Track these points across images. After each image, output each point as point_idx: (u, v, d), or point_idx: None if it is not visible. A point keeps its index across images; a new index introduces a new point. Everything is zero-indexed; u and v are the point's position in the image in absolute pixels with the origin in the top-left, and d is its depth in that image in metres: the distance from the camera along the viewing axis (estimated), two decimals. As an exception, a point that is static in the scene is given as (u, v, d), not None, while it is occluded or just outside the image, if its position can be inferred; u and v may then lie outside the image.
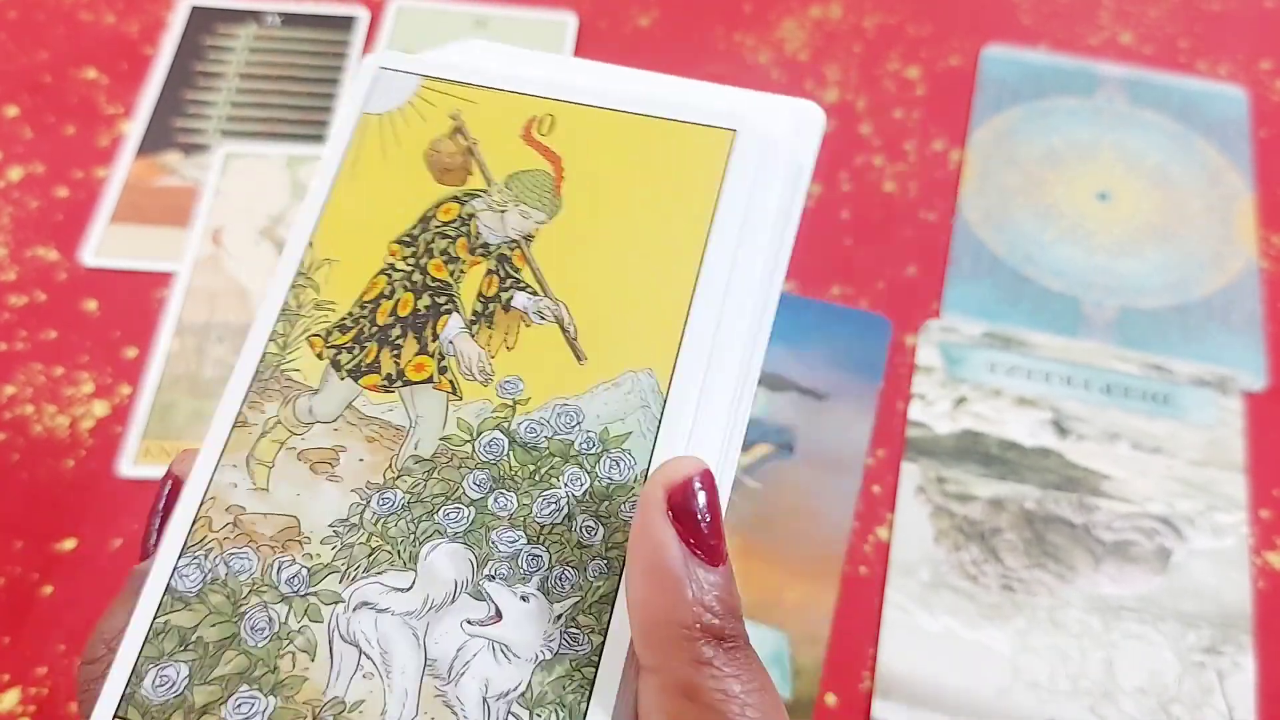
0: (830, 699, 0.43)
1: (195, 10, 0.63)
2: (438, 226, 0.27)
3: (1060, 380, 0.50)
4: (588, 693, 0.22)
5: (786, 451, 0.48)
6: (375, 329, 0.26)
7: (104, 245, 0.54)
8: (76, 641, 0.44)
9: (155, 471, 0.48)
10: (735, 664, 0.21)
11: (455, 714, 0.22)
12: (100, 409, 0.50)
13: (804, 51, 0.62)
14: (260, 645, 0.23)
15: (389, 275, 0.26)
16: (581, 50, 0.62)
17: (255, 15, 0.63)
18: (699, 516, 0.22)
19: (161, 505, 0.25)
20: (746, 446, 0.48)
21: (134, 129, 0.59)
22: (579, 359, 0.25)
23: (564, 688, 0.22)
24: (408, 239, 0.27)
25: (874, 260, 0.54)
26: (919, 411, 0.49)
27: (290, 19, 0.63)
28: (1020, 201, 0.57)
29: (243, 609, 0.23)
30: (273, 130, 0.59)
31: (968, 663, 0.43)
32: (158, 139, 0.58)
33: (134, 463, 0.48)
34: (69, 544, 0.46)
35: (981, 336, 0.51)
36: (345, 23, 0.63)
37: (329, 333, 0.26)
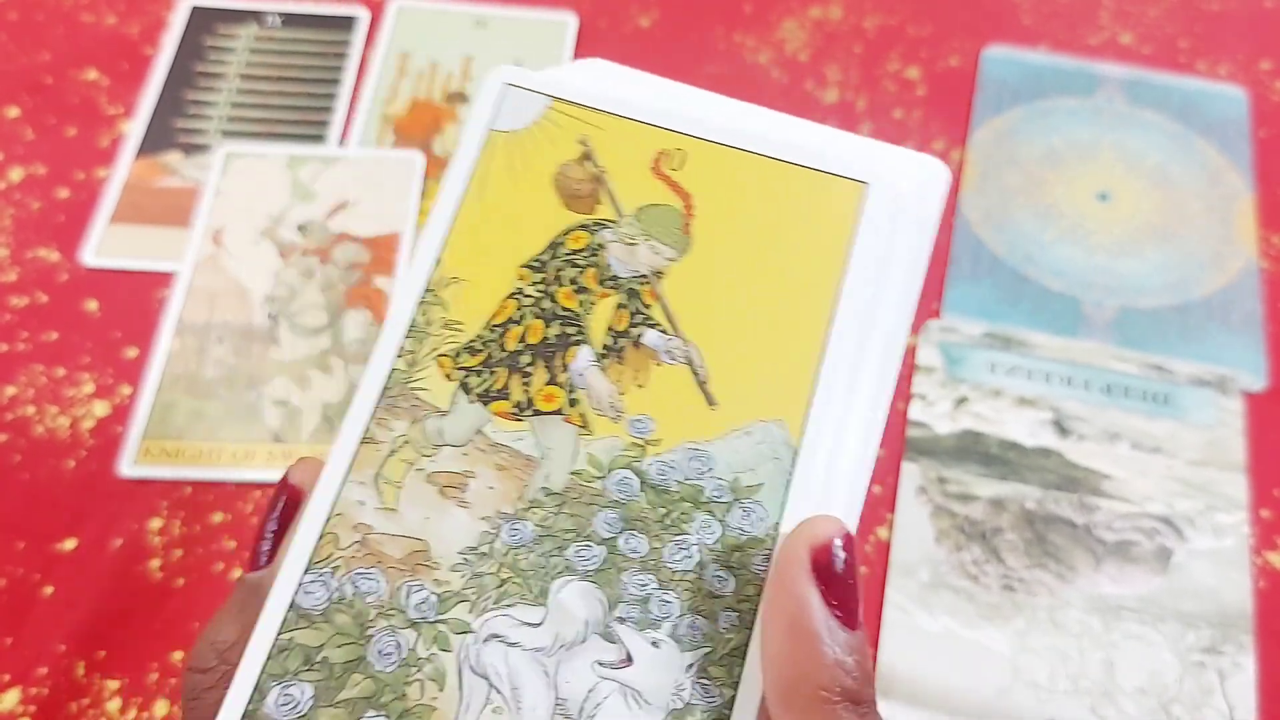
0: (830, 699, 0.43)
1: (195, 10, 0.63)
2: (567, 254, 0.26)
3: (1060, 380, 0.50)
4: None
5: (787, 452, 0.48)
6: (504, 354, 0.25)
7: (105, 245, 0.55)
8: (76, 642, 0.44)
9: (156, 471, 0.48)
10: None
11: None
12: (101, 409, 0.50)
13: (804, 52, 0.62)
14: (388, 670, 0.22)
15: (518, 300, 0.26)
16: (581, 50, 0.62)
17: (255, 15, 0.63)
18: (841, 577, 0.22)
19: (278, 514, 0.24)
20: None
21: (134, 129, 0.59)
22: (710, 403, 0.25)
23: None
24: (537, 264, 0.26)
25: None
26: (919, 411, 0.49)
27: (290, 19, 0.63)
28: (1020, 201, 0.57)
29: (370, 632, 0.22)
30: (273, 130, 0.59)
31: (968, 663, 0.43)
32: (158, 139, 0.58)
33: (134, 463, 0.48)
34: (69, 544, 0.46)
35: (981, 336, 0.52)
36: (345, 23, 0.63)
37: (458, 354, 0.25)
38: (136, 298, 0.53)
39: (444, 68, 0.62)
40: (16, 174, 0.57)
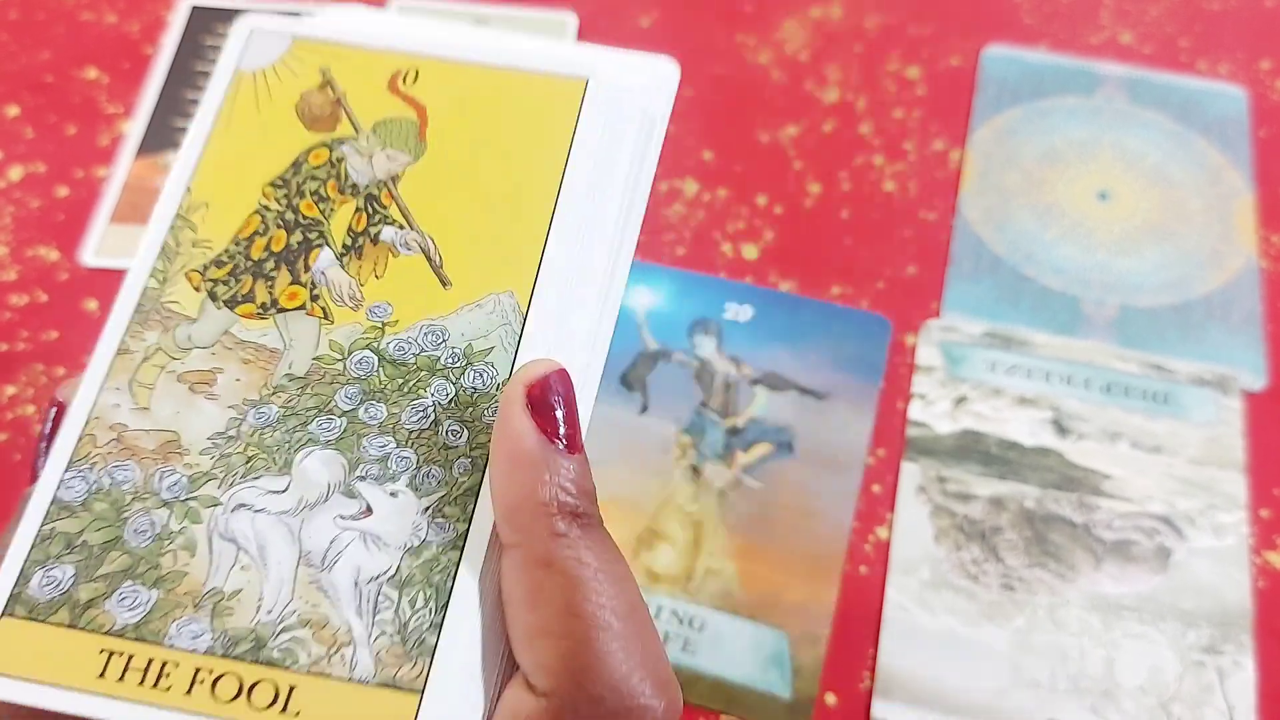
0: (830, 699, 0.43)
1: (195, 10, 0.63)
2: (309, 170, 0.29)
3: (1060, 379, 0.50)
4: (454, 572, 0.24)
5: (786, 451, 0.48)
6: (250, 263, 0.28)
7: (105, 245, 0.55)
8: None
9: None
10: (589, 538, 0.23)
11: (328, 596, 0.24)
12: (101, 408, 0.50)
13: (804, 51, 0.62)
14: (143, 546, 0.25)
15: (263, 215, 0.28)
16: (582, 50, 0.62)
17: (256, 15, 0.63)
18: (554, 408, 0.24)
19: (48, 430, 0.26)
20: (746, 446, 0.48)
21: (135, 128, 0.59)
22: (444, 284, 0.27)
23: (431, 569, 0.24)
24: (280, 182, 0.29)
25: (874, 260, 0.54)
26: (919, 411, 0.49)
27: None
28: (1020, 201, 0.57)
29: (125, 515, 0.25)
30: (273, 130, 0.59)
31: (968, 662, 0.43)
32: (158, 139, 0.58)
33: (134, 462, 0.48)
34: (70, 543, 0.46)
35: (982, 336, 0.52)
36: (346, 23, 0.63)
37: (206, 268, 0.28)
38: (136, 297, 0.53)
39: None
40: (16, 173, 0.57)
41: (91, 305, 0.53)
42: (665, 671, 0.23)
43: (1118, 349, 0.51)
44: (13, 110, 0.59)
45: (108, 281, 0.53)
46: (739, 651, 0.43)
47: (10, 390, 0.50)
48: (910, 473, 0.48)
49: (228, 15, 0.63)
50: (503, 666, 0.24)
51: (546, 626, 0.22)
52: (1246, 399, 0.50)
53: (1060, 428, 0.49)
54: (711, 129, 0.59)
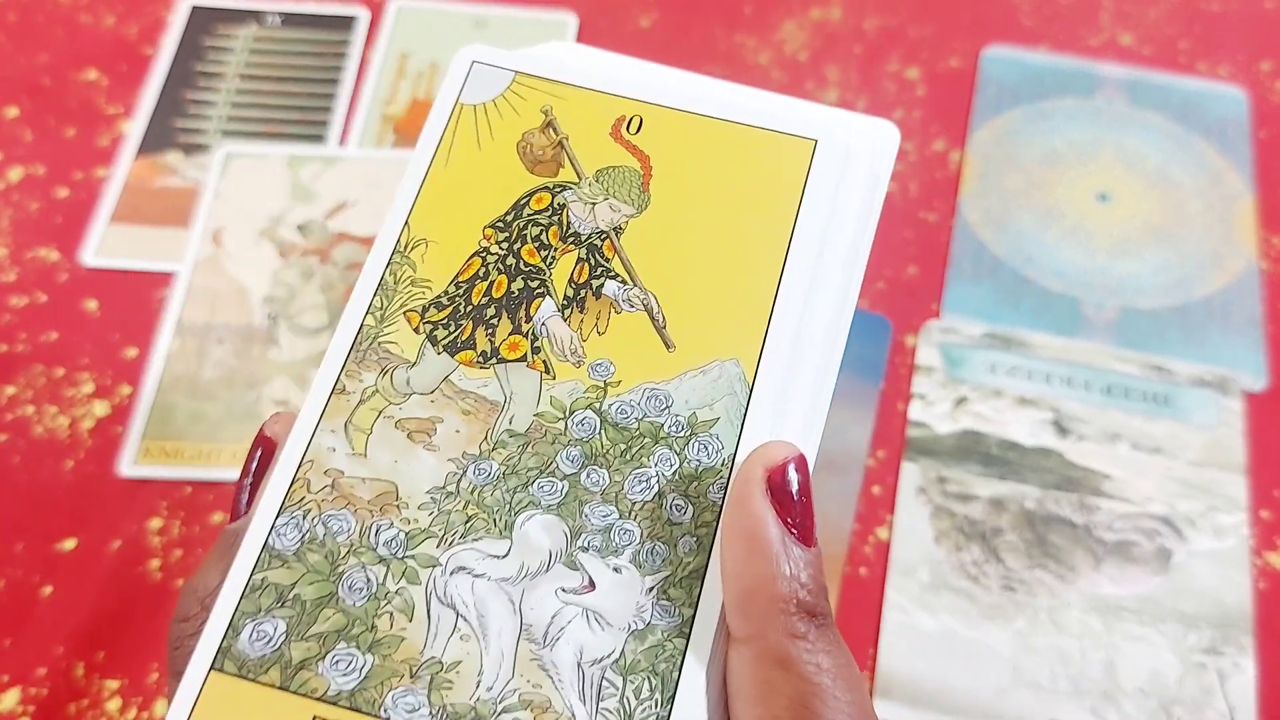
0: (830, 699, 0.43)
1: (195, 10, 0.63)
2: (530, 214, 0.28)
3: (1060, 381, 0.50)
4: (679, 661, 0.23)
5: (787, 452, 0.48)
6: (470, 308, 0.27)
7: (104, 245, 0.54)
8: (76, 643, 0.44)
9: (155, 472, 0.48)
10: (826, 640, 0.22)
11: (551, 677, 0.23)
12: (100, 409, 0.50)
13: (804, 52, 0.62)
14: (358, 605, 0.23)
15: (483, 258, 0.27)
16: (582, 51, 0.62)
17: (255, 15, 0.63)
18: (795, 497, 0.23)
19: (254, 467, 0.25)
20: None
21: (134, 129, 0.59)
22: (668, 347, 0.26)
23: (656, 656, 0.23)
24: (501, 224, 0.28)
25: (874, 260, 0.54)
26: (919, 411, 0.49)
27: (290, 19, 0.63)
28: (1020, 202, 0.57)
29: (341, 569, 0.24)
30: (273, 130, 0.59)
31: (968, 663, 0.43)
32: (158, 139, 0.58)
33: (134, 463, 0.48)
34: (69, 544, 0.46)
35: (982, 337, 0.51)
36: (345, 23, 0.63)
37: (425, 309, 0.27)
38: (136, 298, 0.53)
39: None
40: (16, 174, 0.57)
41: (91, 306, 0.53)
42: None
43: (1118, 350, 0.51)
44: (12, 112, 0.59)
45: (107, 281, 0.53)
46: (739, 653, 0.43)
47: (10, 390, 0.50)
48: (910, 473, 0.48)
49: (227, 15, 0.63)
50: None
51: None
52: (1247, 400, 0.50)
53: (1060, 429, 0.49)
54: (711, 130, 0.59)
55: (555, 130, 0.29)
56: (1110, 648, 0.43)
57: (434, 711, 0.22)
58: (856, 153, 0.28)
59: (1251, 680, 0.43)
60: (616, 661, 0.23)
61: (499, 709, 0.22)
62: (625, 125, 0.29)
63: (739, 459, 0.25)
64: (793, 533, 0.23)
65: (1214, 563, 0.45)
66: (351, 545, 0.24)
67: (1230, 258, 0.55)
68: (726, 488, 0.25)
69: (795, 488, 0.23)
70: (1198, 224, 0.56)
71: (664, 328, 0.26)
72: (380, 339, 0.26)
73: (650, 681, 0.23)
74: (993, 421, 0.49)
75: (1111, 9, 0.64)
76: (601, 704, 0.23)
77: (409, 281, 0.27)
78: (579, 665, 0.23)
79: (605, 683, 0.23)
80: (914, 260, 0.54)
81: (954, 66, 0.62)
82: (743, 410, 0.25)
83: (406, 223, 0.27)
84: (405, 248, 0.27)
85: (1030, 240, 0.55)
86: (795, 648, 0.22)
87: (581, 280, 0.27)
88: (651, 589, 0.24)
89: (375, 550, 0.24)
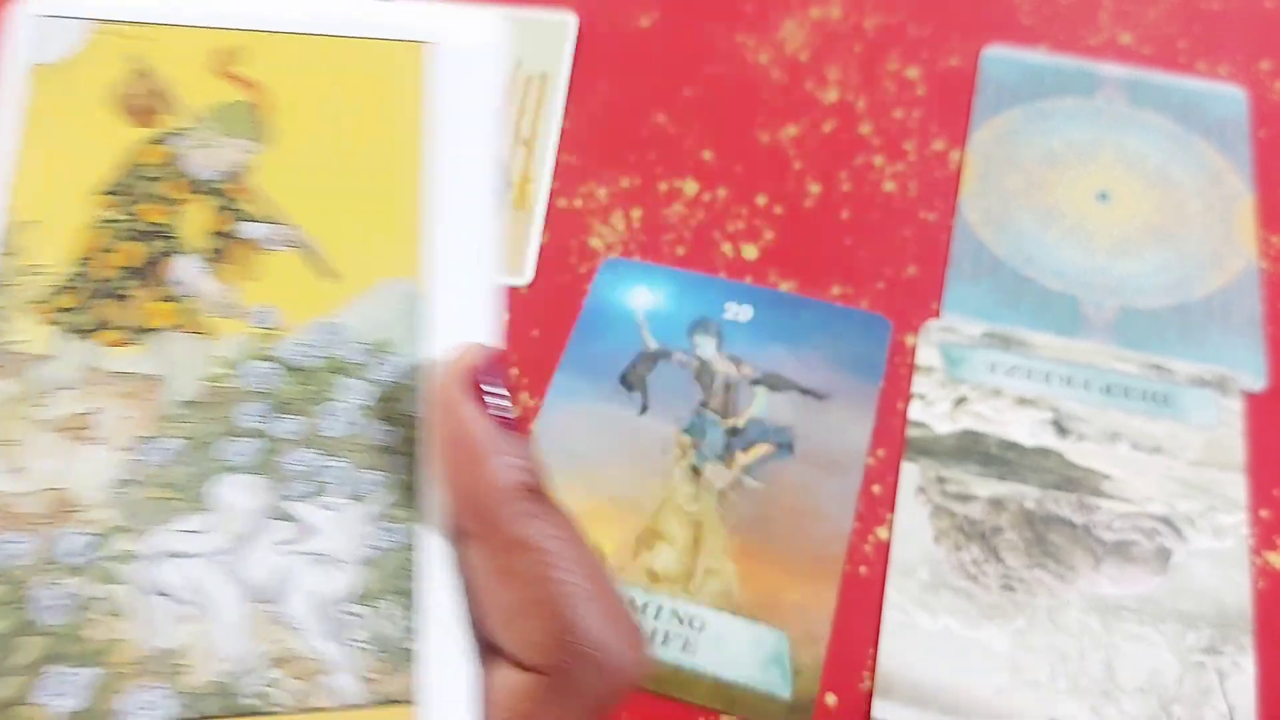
0: (830, 699, 0.43)
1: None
2: (144, 171, 0.26)
3: (1060, 380, 0.50)
4: (417, 573, 0.24)
5: (786, 451, 0.48)
6: (101, 284, 0.25)
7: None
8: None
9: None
10: (554, 513, 0.23)
11: (293, 629, 0.23)
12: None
13: (804, 52, 0.62)
14: (60, 623, 0.22)
15: (103, 228, 0.26)
16: (582, 51, 0.62)
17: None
18: (493, 389, 0.24)
19: None
20: (746, 446, 0.48)
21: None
22: (328, 278, 0.26)
23: (394, 577, 0.24)
24: (115, 189, 0.26)
25: (874, 260, 0.54)
26: (919, 411, 0.49)
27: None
28: (1020, 202, 0.57)
29: (28, 593, 0.22)
30: None
31: (967, 662, 0.43)
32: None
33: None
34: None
35: (981, 337, 0.52)
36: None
37: (51, 297, 0.25)
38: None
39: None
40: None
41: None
42: (635, 618, 0.24)
43: (1118, 350, 0.51)
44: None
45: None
46: (739, 652, 0.43)
47: None
48: (910, 473, 0.48)
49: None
50: (480, 654, 0.24)
51: (525, 603, 0.22)
52: (1246, 400, 0.50)
53: (1060, 428, 0.49)
54: (711, 129, 0.59)
55: (150, 77, 0.27)
56: (1110, 647, 0.43)
57: (183, 701, 0.22)
58: (469, 46, 0.28)
59: (1251, 679, 0.43)
60: (356, 594, 0.23)
61: (249, 675, 0.22)
62: (227, 58, 0.27)
63: (429, 370, 0.25)
64: (499, 423, 0.23)
65: (1213, 562, 0.45)
66: (35, 565, 0.22)
67: (1230, 257, 0.55)
68: (423, 401, 0.25)
69: (491, 381, 0.24)
70: (1197, 224, 0.56)
71: (320, 260, 0.26)
72: (3, 342, 0.24)
73: (394, 600, 0.23)
74: (992, 421, 0.49)
75: (1111, 9, 0.64)
76: (351, 636, 0.23)
77: (21, 271, 0.25)
78: (320, 609, 0.23)
79: (351, 616, 0.23)
80: (914, 260, 0.54)
81: (954, 66, 0.62)
82: (419, 322, 0.25)
83: (7, 207, 0.25)
84: (9, 234, 0.25)
85: (1030, 240, 0.55)
86: (530, 527, 0.23)
87: (219, 229, 0.26)
88: (374, 516, 0.24)
89: (62, 563, 0.23)
